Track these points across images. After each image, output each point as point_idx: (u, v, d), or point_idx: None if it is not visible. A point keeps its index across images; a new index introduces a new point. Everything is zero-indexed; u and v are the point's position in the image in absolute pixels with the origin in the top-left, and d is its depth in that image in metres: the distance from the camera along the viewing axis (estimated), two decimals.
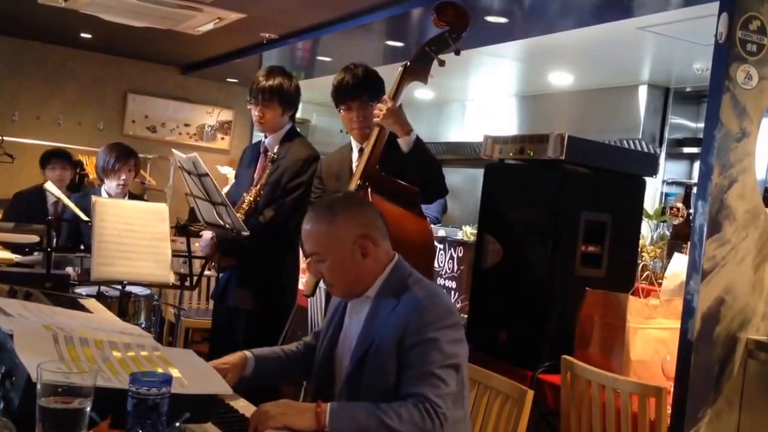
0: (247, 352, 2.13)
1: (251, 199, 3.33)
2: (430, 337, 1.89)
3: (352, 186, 2.84)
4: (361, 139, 3.08)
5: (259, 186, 3.35)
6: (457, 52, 2.88)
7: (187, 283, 3.33)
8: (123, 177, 4.07)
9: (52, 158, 5.40)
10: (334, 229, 2.00)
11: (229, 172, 7.20)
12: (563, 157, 2.92)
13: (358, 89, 3.02)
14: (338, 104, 3.11)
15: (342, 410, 1.83)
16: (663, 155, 6.24)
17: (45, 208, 5.15)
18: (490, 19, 4.58)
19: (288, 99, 3.40)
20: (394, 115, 2.83)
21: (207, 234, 3.46)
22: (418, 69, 2.88)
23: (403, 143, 2.83)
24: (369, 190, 2.78)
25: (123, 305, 3.18)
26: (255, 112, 3.41)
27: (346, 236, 2.00)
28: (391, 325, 1.93)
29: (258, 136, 3.57)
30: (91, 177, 6.89)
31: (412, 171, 2.84)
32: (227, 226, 3.17)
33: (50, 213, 5.12)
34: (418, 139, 2.83)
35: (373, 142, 2.87)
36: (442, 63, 2.87)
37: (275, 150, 3.38)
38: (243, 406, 1.90)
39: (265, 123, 3.41)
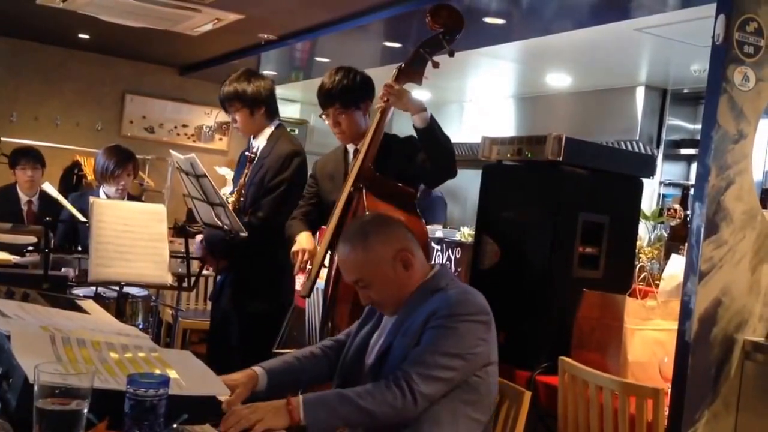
0: (256, 368, 2.08)
1: (233, 200, 3.34)
2: (449, 325, 1.92)
3: (347, 186, 2.84)
4: (345, 143, 3.09)
5: (239, 186, 3.37)
6: (452, 54, 2.88)
7: (185, 284, 3.34)
8: (122, 183, 4.07)
9: (21, 158, 5.18)
10: (371, 252, 2.04)
11: (227, 173, 7.20)
12: (561, 159, 2.92)
13: (329, 97, 3.01)
14: None
15: (315, 402, 1.84)
16: (660, 156, 6.26)
17: (17, 207, 5.10)
18: (488, 20, 4.59)
19: (249, 100, 3.38)
20: (403, 96, 2.82)
21: (199, 236, 3.48)
22: (412, 71, 2.88)
23: (420, 120, 2.79)
24: (364, 190, 2.78)
25: (120, 306, 3.17)
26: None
27: (385, 254, 2.04)
28: (421, 313, 1.98)
29: None
30: (89, 178, 6.89)
31: (427, 149, 2.82)
32: (225, 227, 3.17)
33: (24, 213, 5.10)
34: (432, 116, 2.83)
35: (370, 137, 2.86)
36: (436, 65, 2.87)
37: (260, 149, 3.39)
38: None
39: (240, 128, 3.47)
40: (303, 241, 2.96)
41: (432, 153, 2.81)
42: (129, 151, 4.21)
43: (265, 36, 6.11)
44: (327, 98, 3.02)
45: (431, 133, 2.79)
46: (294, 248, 2.95)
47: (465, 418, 1.96)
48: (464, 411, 1.95)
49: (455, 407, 1.94)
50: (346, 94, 2.99)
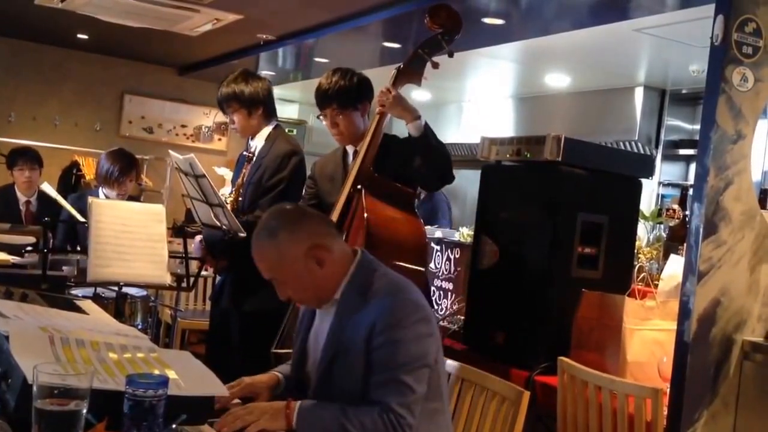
0: (278, 373, 2.12)
1: (232, 200, 3.35)
2: (396, 338, 1.86)
3: (347, 187, 2.84)
4: (343, 144, 3.09)
5: (237, 186, 3.38)
6: (451, 55, 2.88)
7: (184, 285, 3.33)
8: (125, 188, 4.08)
9: (18, 159, 5.15)
10: (281, 251, 1.96)
11: (226, 174, 7.21)
12: (560, 159, 2.92)
13: (326, 98, 3.00)
14: None
15: (309, 412, 1.85)
16: (659, 157, 6.27)
17: (16, 208, 5.09)
18: (487, 20, 4.59)
19: (247, 100, 3.38)
20: (399, 103, 2.82)
21: (198, 236, 3.48)
22: (411, 71, 2.88)
23: (414, 128, 2.79)
24: (363, 191, 2.78)
25: (119, 306, 3.17)
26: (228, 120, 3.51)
27: (296, 253, 1.95)
28: (360, 326, 1.91)
29: None
30: (87, 178, 6.88)
31: (422, 156, 2.81)
32: (224, 227, 3.17)
33: (22, 213, 5.10)
34: (427, 124, 2.83)
35: (369, 138, 2.86)
36: (435, 65, 2.87)
37: (258, 149, 3.40)
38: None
39: (238, 129, 3.46)
40: None
41: (427, 160, 2.82)
42: (132, 157, 4.23)
43: (264, 36, 6.11)
44: (324, 99, 3.02)
45: (425, 141, 2.80)
46: None
47: (423, 412, 1.93)
48: (421, 406, 1.94)
49: None
50: (344, 95, 2.99)
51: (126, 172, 4.06)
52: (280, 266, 1.97)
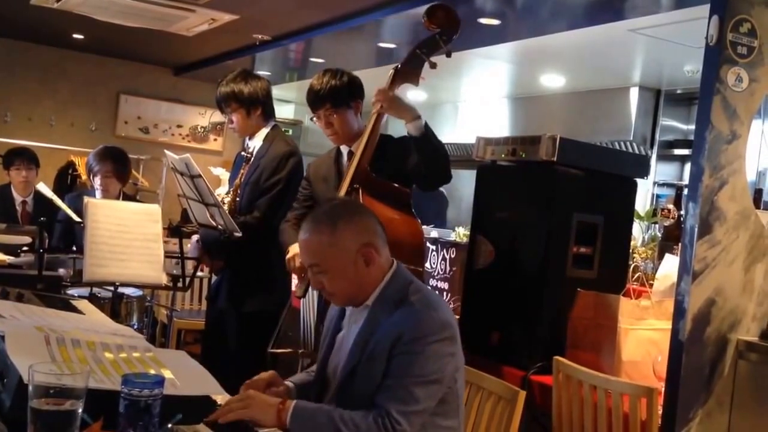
0: (289, 383, 2.10)
1: (229, 200, 3.35)
2: (417, 351, 1.86)
3: (344, 188, 2.84)
4: (338, 144, 3.09)
5: (234, 186, 3.38)
6: (449, 55, 2.88)
7: (180, 285, 3.33)
8: (98, 182, 4.05)
9: (15, 159, 5.17)
10: (336, 239, 1.93)
11: (222, 174, 7.19)
12: (555, 159, 2.93)
13: (320, 98, 3.00)
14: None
15: (303, 412, 1.83)
16: (654, 157, 6.28)
17: (12, 208, 5.10)
18: (483, 20, 4.60)
19: (246, 100, 3.39)
20: (397, 103, 2.82)
21: (195, 236, 3.48)
22: (409, 71, 2.88)
23: (414, 128, 2.79)
24: (360, 191, 2.78)
25: (115, 306, 3.17)
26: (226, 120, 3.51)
27: (350, 245, 1.93)
28: (387, 335, 1.90)
29: None
30: (83, 178, 6.88)
31: (422, 156, 2.81)
32: (220, 227, 3.17)
33: (19, 213, 5.09)
34: (427, 124, 2.83)
35: (366, 138, 2.86)
36: (433, 65, 2.87)
37: (256, 149, 3.40)
38: None
39: (236, 128, 3.47)
40: (297, 248, 2.97)
41: (427, 160, 2.82)
42: (113, 153, 4.15)
43: (260, 36, 6.11)
44: (317, 100, 3.02)
45: (426, 140, 2.80)
46: (288, 256, 2.96)
47: (435, 428, 1.93)
48: (434, 422, 1.92)
49: (424, 421, 1.90)
50: (337, 94, 2.99)
51: (99, 162, 4.03)
52: (329, 254, 1.94)
